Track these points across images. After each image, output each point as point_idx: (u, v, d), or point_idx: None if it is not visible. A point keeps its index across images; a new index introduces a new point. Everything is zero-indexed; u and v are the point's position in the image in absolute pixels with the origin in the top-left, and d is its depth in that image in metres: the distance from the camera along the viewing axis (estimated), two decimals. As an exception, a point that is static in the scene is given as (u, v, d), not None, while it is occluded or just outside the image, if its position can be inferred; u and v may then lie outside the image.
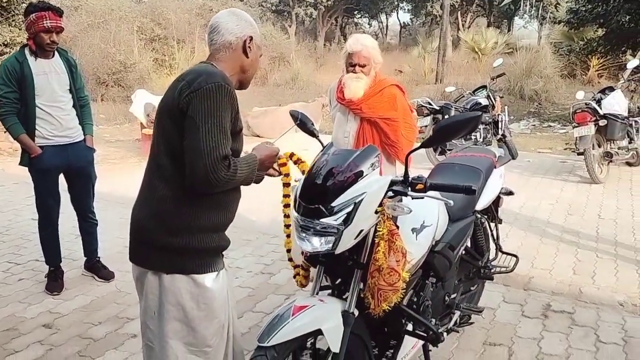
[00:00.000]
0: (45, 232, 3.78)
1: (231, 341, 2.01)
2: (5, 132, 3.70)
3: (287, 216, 2.29)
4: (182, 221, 1.80)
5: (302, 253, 2.32)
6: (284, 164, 2.17)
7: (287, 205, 2.26)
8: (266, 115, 10.00)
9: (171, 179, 1.79)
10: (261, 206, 4.98)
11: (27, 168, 3.65)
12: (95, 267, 3.99)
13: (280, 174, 2.18)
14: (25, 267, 4.20)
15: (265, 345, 1.88)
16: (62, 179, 3.79)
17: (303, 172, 2.21)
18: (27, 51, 3.52)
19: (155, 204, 1.82)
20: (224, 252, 1.99)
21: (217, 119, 1.70)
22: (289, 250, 2.38)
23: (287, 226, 2.30)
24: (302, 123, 2.47)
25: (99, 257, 4.03)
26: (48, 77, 3.53)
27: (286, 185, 2.21)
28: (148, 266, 1.87)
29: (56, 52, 3.63)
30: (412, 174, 2.11)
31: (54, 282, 3.78)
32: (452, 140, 7.19)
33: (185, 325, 1.85)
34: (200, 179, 1.70)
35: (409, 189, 2.07)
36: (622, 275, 4.04)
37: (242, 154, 1.95)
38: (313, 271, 2.39)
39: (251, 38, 1.96)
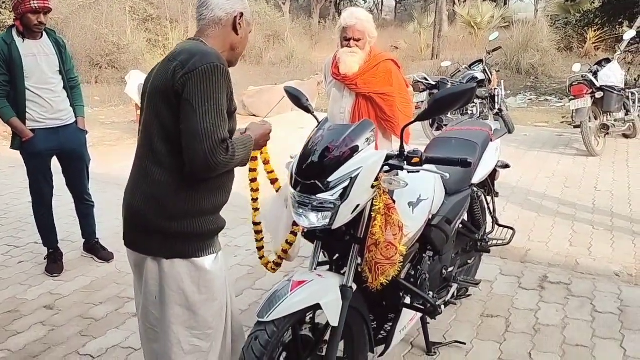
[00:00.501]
0: (40, 214, 3.78)
1: (229, 319, 2.02)
2: (-3, 117, 3.66)
3: (253, 190, 2.34)
4: (181, 206, 1.77)
5: (301, 230, 2.34)
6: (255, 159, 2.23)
7: (253, 180, 2.29)
8: (262, 95, 9.95)
9: (167, 164, 1.75)
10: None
11: (18, 151, 3.62)
12: (94, 249, 4.01)
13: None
14: (24, 249, 4.21)
15: (265, 321, 1.90)
16: (56, 161, 3.78)
17: (272, 182, 2.36)
18: (14, 32, 3.46)
19: (151, 189, 1.78)
20: (221, 232, 1.98)
21: (214, 101, 1.66)
22: (256, 224, 2.44)
23: (254, 200, 2.37)
24: (297, 99, 2.45)
25: (97, 239, 4.05)
26: (37, 58, 3.48)
27: (253, 158, 2.21)
28: (147, 252, 1.83)
29: (44, 33, 3.56)
30: (409, 148, 2.11)
31: (54, 264, 3.80)
32: (448, 115, 7.21)
33: (187, 310, 1.83)
34: (200, 164, 1.66)
35: (405, 162, 2.07)
36: (618, 246, 4.07)
37: (237, 134, 1.93)
38: (293, 252, 2.43)
39: (241, 14, 1.90)
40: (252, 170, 2.24)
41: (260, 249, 2.49)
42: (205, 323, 1.87)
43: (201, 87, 1.64)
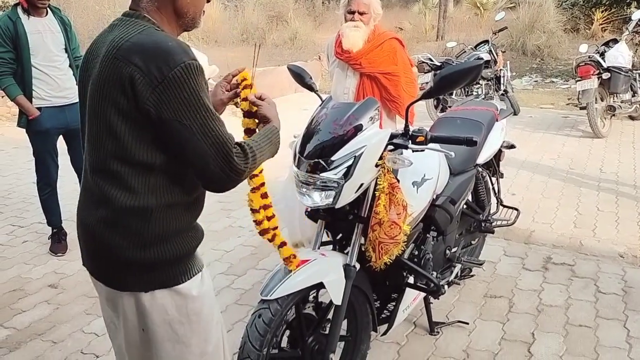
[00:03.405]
0: (45, 193, 3.78)
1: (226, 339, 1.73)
2: (3, 96, 3.66)
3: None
4: (155, 230, 1.45)
5: (305, 210, 2.33)
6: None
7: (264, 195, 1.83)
8: (265, 76, 9.86)
9: (134, 185, 1.41)
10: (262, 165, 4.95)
11: (24, 130, 3.62)
12: (98, 228, 4.01)
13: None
14: (29, 229, 4.23)
15: (268, 299, 1.91)
16: (61, 141, 3.77)
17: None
18: (19, 9, 3.46)
19: (115, 216, 1.43)
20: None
21: (204, 107, 1.35)
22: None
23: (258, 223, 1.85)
24: (300, 77, 2.43)
25: (101, 218, 4.04)
26: (42, 35, 3.48)
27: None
28: (121, 287, 1.50)
29: (49, 11, 3.56)
30: (413, 127, 2.09)
31: (58, 243, 3.82)
32: (453, 96, 7.16)
33: (178, 344, 1.55)
34: (222, 183, 1.41)
35: (410, 141, 2.05)
36: (623, 227, 4.06)
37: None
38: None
39: None
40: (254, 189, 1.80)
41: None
42: (200, 351, 1.60)
43: (183, 97, 1.32)
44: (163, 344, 1.54)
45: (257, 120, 1.66)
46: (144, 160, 1.39)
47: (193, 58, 1.36)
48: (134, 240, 1.45)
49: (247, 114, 1.65)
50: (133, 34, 1.38)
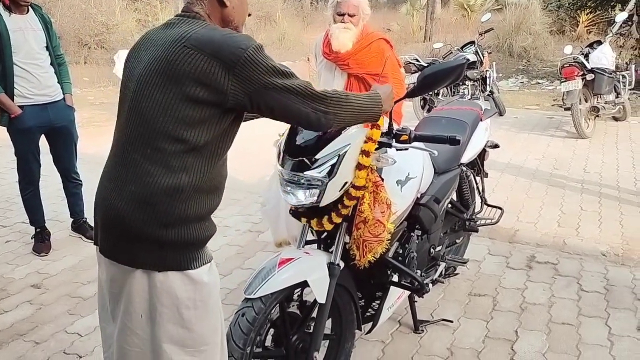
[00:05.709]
0: (27, 193, 3.75)
1: (225, 331, 1.82)
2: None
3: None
4: (180, 211, 1.53)
5: (290, 209, 2.32)
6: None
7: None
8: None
9: (172, 165, 1.51)
10: (249, 166, 4.97)
11: (6, 130, 3.58)
12: (82, 228, 3.99)
13: None
14: (12, 229, 4.18)
15: (252, 297, 1.91)
16: (43, 141, 3.74)
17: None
18: (1, 7, 3.41)
19: (144, 191, 1.51)
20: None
21: (278, 71, 1.52)
22: None
23: None
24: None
25: (85, 218, 4.02)
26: (24, 33, 3.44)
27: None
28: (135, 264, 1.56)
29: (30, 9, 3.53)
30: (397, 126, 2.10)
31: (41, 243, 3.78)
32: (440, 97, 7.20)
33: (181, 328, 1.60)
34: (316, 116, 1.59)
35: (394, 140, 2.06)
36: (606, 227, 4.10)
37: None
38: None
39: None
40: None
41: None
42: (202, 340, 1.64)
43: (260, 71, 1.49)
44: (167, 326, 1.59)
45: None
46: (191, 140, 1.49)
47: (256, 43, 1.53)
48: (158, 218, 1.51)
49: None
50: (198, 28, 1.54)
